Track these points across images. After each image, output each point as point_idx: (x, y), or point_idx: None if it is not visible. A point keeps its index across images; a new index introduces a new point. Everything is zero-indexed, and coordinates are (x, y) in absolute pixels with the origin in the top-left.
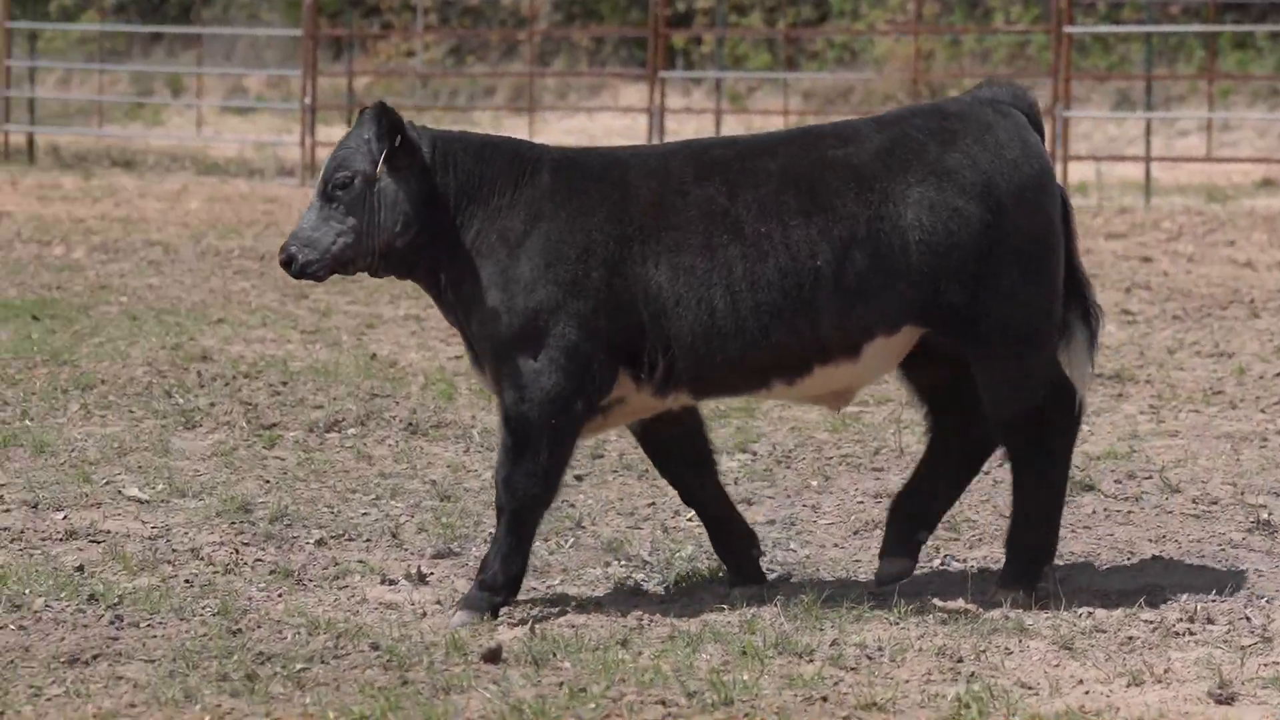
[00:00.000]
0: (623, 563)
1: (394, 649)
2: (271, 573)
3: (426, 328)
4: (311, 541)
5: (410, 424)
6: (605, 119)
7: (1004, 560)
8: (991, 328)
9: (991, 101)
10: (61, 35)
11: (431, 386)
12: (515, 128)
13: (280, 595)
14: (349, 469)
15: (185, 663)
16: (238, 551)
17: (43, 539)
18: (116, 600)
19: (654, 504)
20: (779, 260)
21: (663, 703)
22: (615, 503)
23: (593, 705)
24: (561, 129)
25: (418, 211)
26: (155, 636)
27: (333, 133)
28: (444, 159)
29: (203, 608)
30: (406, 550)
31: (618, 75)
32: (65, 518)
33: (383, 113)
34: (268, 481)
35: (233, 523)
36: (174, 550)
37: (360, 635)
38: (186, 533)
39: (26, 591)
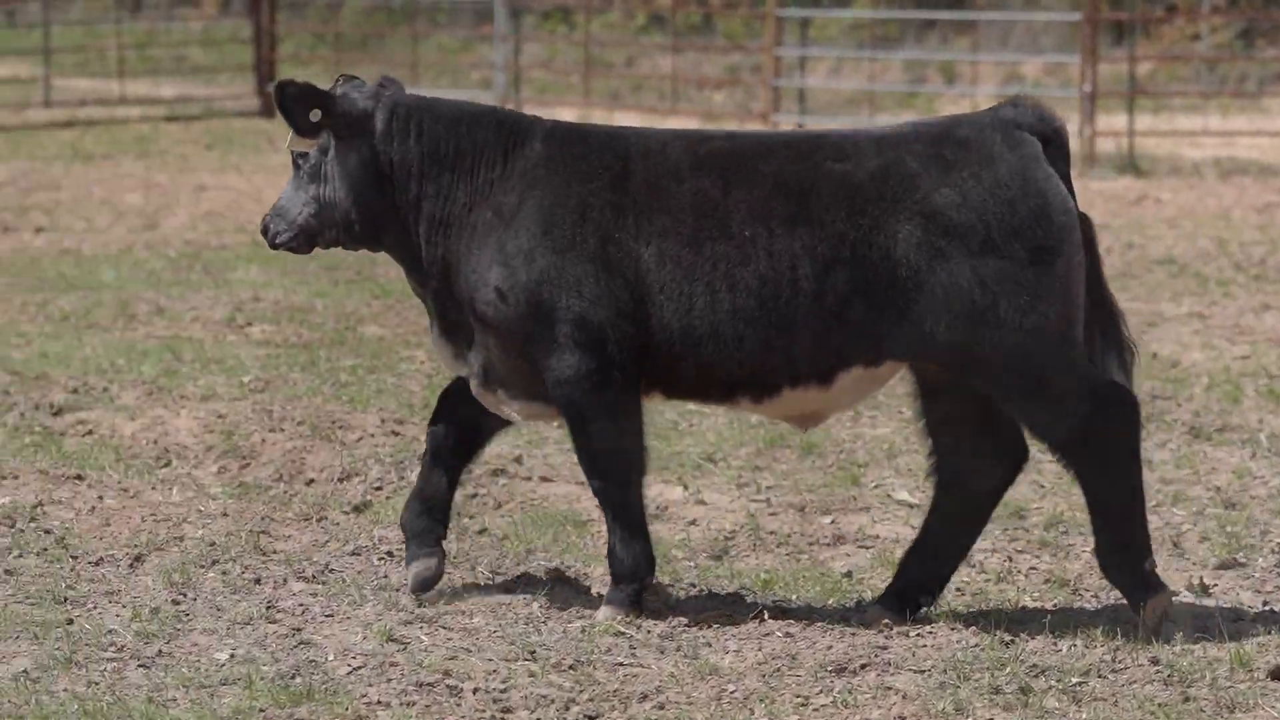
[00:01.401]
0: None
1: (1175, 663)
2: (1046, 581)
3: (1210, 326)
4: (1089, 549)
5: (1193, 427)
6: None
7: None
8: (1001, 364)
9: (1009, 125)
10: (834, 22)
11: (1216, 388)
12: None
13: (1056, 605)
14: None
15: (956, 674)
16: (1011, 559)
17: (810, 543)
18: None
19: None
20: (760, 267)
21: None
22: None
23: None
24: None
25: (370, 180)
26: (925, 646)
27: (1113, 121)
28: (404, 126)
29: (975, 617)
30: (1188, 560)
31: None
32: (833, 522)
33: (280, 90)
34: (1042, 486)
35: (1006, 529)
36: None
37: (1139, 648)
38: None
39: (794, 597)
